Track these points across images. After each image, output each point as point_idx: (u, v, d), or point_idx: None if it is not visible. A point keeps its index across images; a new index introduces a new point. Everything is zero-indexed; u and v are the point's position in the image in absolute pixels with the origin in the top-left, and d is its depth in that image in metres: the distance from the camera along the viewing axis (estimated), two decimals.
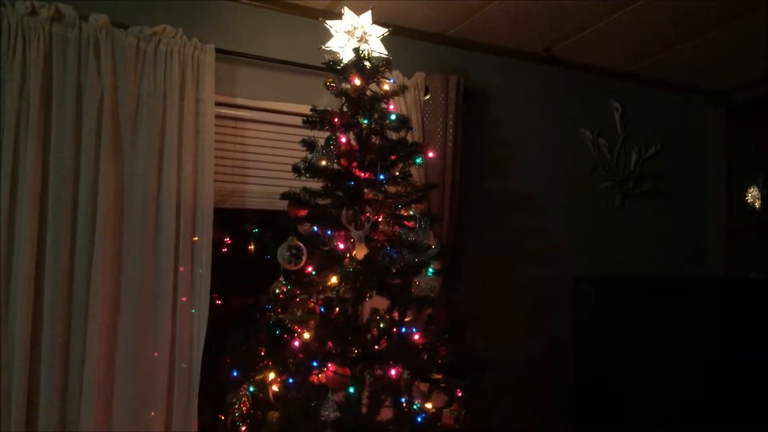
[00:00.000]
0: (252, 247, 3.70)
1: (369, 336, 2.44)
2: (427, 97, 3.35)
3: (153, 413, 2.67)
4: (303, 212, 2.59)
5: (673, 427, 3.31)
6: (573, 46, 3.73)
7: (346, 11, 2.66)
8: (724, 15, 3.31)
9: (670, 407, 3.33)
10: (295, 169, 2.57)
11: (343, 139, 2.60)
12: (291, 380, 2.49)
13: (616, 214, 4.20)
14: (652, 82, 4.32)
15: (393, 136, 2.67)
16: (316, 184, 2.60)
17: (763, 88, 4.27)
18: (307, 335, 2.46)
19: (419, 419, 2.42)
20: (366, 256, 2.45)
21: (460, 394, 2.55)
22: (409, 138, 2.72)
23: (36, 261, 2.49)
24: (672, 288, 3.66)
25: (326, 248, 2.58)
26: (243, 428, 2.50)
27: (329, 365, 2.45)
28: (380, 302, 2.53)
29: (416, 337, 2.55)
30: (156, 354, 2.69)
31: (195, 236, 2.79)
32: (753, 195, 4.37)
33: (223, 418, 2.61)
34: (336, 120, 2.61)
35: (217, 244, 2.83)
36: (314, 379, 2.48)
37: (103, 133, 2.62)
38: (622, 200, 4.21)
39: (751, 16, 3.31)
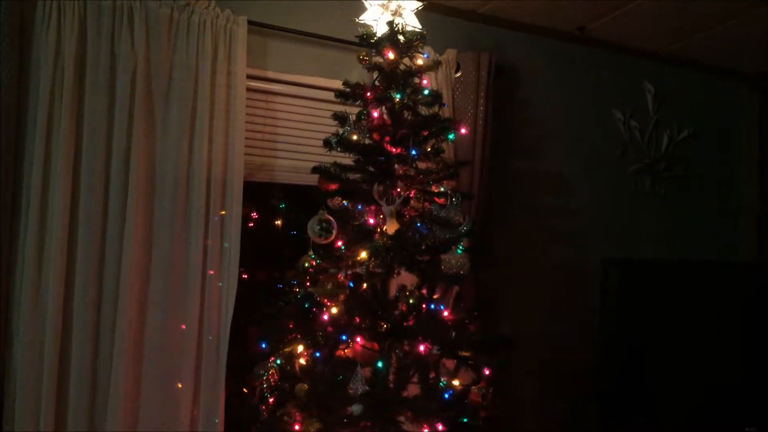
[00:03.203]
0: (279, 221, 3.69)
1: (397, 311, 2.44)
2: (459, 74, 3.32)
3: (181, 384, 2.69)
4: (333, 186, 2.58)
5: (699, 414, 3.28)
6: (607, 26, 3.67)
7: None
8: None
9: (697, 393, 3.30)
10: (326, 143, 2.57)
11: (375, 114, 2.57)
12: (318, 353, 2.50)
13: (646, 197, 4.14)
14: (687, 64, 4.24)
15: (425, 111, 2.64)
16: (346, 159, 2.59)
17: None
18: (335, 309, 2.46)
19: (446, 396, 2.41)
20: (397, 232, 2.44)
21: (487, 372, 2.55)
22: (441, 114, 2.70)
23: (68, 230, 2.51)
24: (702, 272, 3.62)
25: (356, 223, 2.57)
26: (271, 400, 2.52)
27: (358, 339, 2.44)
28: (407, 279, 2.51)
29: (445, 313, 2.54)
30: (184, 326, 2.70)
31: (224, 209, 2.79)
32: None
33: (247, 390, 2.62)
34: (368, 94, 2.59)
35: (244, 217, 2.82)
36: (341, 353, 2.49)
37: (136, 103, 2.62)
38: (652, 183, 4.15)
39: None
